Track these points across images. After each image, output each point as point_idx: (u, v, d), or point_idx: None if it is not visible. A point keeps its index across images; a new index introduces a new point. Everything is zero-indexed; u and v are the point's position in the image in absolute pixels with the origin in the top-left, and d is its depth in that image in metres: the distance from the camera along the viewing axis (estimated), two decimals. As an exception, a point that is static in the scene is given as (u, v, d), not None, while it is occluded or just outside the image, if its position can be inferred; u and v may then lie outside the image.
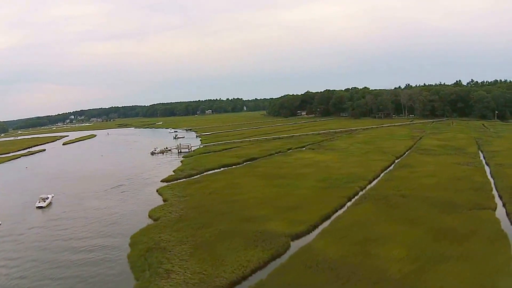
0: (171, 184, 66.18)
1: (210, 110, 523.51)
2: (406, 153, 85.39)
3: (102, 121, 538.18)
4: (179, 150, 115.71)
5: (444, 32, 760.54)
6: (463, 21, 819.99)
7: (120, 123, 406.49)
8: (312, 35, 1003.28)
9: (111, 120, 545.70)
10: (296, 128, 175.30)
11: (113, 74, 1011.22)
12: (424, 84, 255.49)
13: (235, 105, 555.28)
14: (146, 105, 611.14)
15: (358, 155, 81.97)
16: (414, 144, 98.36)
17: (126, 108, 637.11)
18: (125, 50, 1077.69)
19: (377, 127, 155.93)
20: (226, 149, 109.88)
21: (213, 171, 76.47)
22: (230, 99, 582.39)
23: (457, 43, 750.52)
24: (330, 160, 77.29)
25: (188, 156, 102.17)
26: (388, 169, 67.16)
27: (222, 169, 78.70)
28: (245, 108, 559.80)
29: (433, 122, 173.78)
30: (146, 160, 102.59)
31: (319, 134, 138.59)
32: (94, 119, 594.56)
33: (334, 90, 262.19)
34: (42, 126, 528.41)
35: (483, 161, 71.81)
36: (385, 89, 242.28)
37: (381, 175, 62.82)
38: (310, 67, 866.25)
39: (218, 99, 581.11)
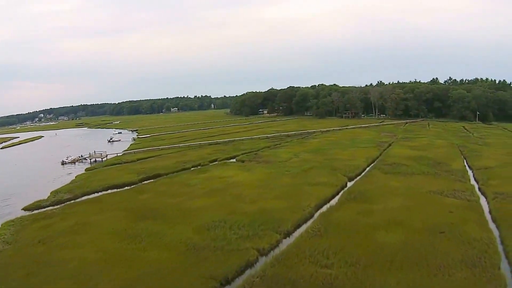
0: (21, 218, 42.17)
1: (176, 108, 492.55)
2: (366, 169, 60.40)
3: (68, 120, 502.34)
4: (93, 159, 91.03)
5: (420, 28, 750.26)
6: (440, 18, 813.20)
7: (79, 122, 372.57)
8: (286, 32, 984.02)
9: (78, 118, 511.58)
10: (247, 129, 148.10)
11: (86, 72, 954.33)
12: (398, 81, 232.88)
13: (202, 103, 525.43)
14: (114, 103, 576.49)
15: (294, 174, 55.84)
16: (380, 154, 73.66)
17: (95, 106, 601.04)
18: (99, 47, 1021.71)
19: (339, 129, 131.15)
20: (141, 158, 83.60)
21: (88, 197, 51.20)
22: (198, 96, 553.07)
23: (434, 39, 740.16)
24: (250, 183, 51.00)
25: (91, 168, 77.05)
26: (329, 204, 41.46)
27: (104, 192, 53.62)
28: (212, 106, 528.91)
29: (406, 123, 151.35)
30: (48, 172, 77.87)
31: (267, 138, 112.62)
32: (62, 117, 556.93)
33: (299, 87, 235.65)
34: (10, 125, 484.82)
35: (476, 186, 47.67)
36: (354, 86, 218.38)
37: (313, 217, 37.15)
38: (280, 64, 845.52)
39: (186, 96, 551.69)
